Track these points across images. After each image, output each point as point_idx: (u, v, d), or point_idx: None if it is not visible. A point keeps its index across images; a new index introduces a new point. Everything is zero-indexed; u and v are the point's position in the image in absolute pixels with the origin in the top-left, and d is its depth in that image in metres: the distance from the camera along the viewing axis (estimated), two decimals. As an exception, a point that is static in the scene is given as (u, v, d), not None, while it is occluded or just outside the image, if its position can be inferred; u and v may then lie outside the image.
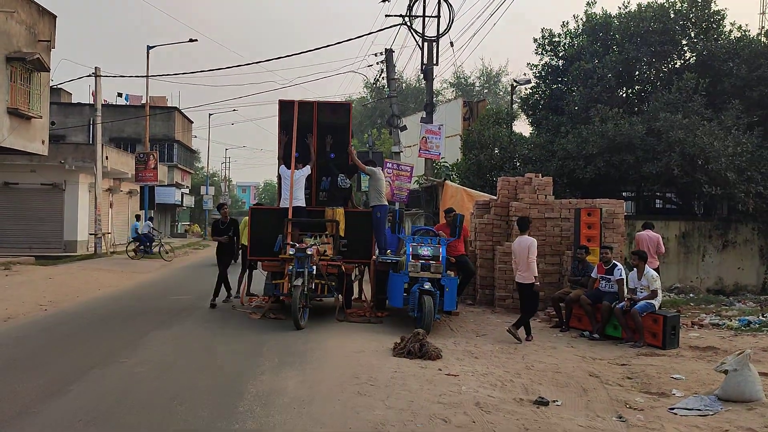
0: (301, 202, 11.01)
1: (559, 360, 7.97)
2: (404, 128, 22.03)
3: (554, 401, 6.05)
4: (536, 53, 22.56)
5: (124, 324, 9.96)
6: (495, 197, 13.58)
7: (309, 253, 9.71)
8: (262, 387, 6.25)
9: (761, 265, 18.25)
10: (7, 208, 24.36)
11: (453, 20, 20.02)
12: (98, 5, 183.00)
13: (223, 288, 12.22)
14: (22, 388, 6.16)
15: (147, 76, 28.32)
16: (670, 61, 20.83)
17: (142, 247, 23.66)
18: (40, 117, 20.30)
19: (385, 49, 22.67)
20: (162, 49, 57.23)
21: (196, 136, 52.35)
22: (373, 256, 11.26)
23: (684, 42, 20.39)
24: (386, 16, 54.83)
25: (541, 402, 5.95)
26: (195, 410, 5.54)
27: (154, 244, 24.33)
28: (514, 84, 22.69)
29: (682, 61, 20.72)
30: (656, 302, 9.13)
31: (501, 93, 50.76)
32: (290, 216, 10.80)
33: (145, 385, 6.39)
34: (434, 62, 20.08)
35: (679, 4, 20.19)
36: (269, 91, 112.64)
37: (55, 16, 20.96)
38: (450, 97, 46.28)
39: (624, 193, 20.64)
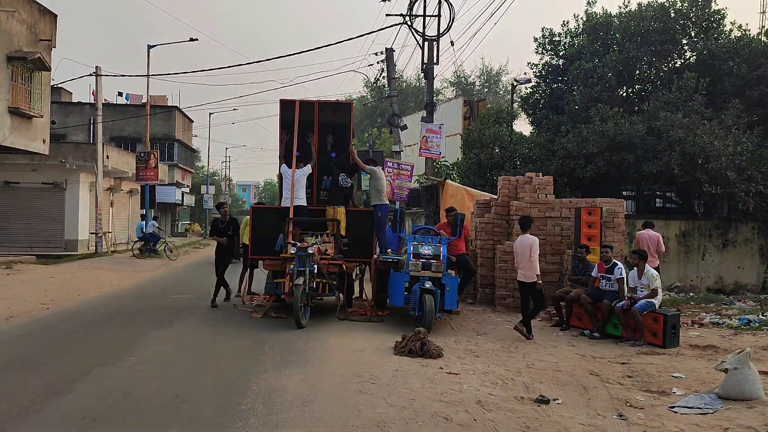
0: (302, 201, 11.04)
1: (560, 358, 7.99)
2: (405, 127, 22.05)
3: (555, 399, 6.07)
4: (536, 52, 22.60)
5: (126, 323, 9.99)
6: (495, 196, 13.60)
7: (310, 252, 9.73)
8: (264, 385, 6.28)
9: (761, 265, 18.27)
10: (8, 208, 24.38)
11: (453, 20, 20.07)
12: (99, 4, 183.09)
13: (223, 288, 12.22)
14: (26, 387, 6.18)
15: (147, 76, 28.31)
16: (670, 60, 20.84)
17: (148, 246, 23.83)
18: (41, 116, 20.33)
19: (386, 48, 22.65)
20: (162, 49, 57.21)
21: (196, 136, 52.47)
22: (374, 255, 11.29)
23: (684, 41, 20.40)
24: (387, 15, 54.69)
25: (542, 400, 5.98)
26: (198, 409, 5.57)
27: (159, 243, 24.47)
28: (515, 83, 22.71)
29: (683, 61, 20.73)
30: (656, 301, 9.16)
31: (501, 92, 50.76)
32: (291, 215, 10.83)
33: (147, 383, 6.41)
34: (435, 61, 20.10)
35: (679, 4, 20.20)
36: (269, 90, 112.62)
37: (55, 16, 20.98)
38: (450, 97, 46.25)
39: (624, 193, 20.64)
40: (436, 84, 31.52)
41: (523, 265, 9.31)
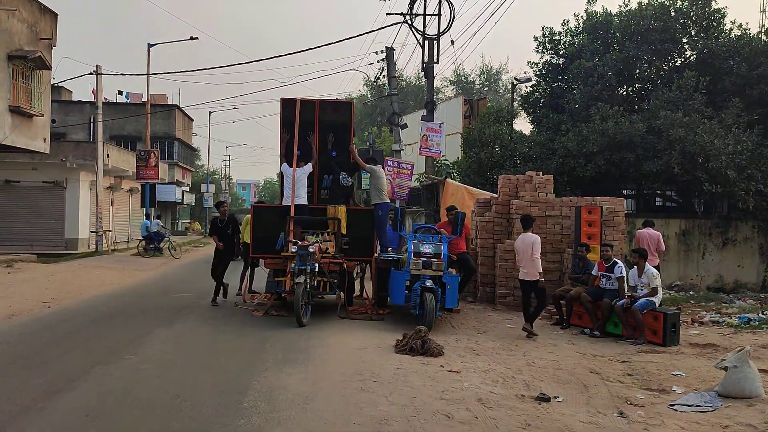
0: (303, 199, 11.05)
1: (560, 357, 8.01)
2: (405, 126, 22.06)
3: (555, 397, 6.09)
4: (537, 51, 22.63)
5: (127, 321, 10.00)
6: (496, 195, 13.61)
7: (311, 250, 9.74)
8: (265, 383, 6.29)
9: (761, 263, 18.29)
10: (8, 206, 24.40)
11: (453, 19, 20.08)
12: (99, 3, 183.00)
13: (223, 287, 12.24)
14: (27, 385, 6.19)
15: (148, 74, 28.33)
16: (670, 59, 20.85)
17: (152, 245, 23.91)
18: (42, 115, 20.35)
19: (386, 47, 22.64)
20: (163, 48, 57.22)
21: (196, 134, 52.47)
22: (375, 254, 11.31)
23: (684, 40, 20.41)
24: (387, 14, 54.82)
25: (543, 398, 5.99)
26: (199, 407, 5.58)
27: (164, 241, 24.55)
28: (515, 82, 22.73)
29: (683, 60, 20.74)
30: (656, 300, 9.18)
31: (501, 91, 50.76)
32: (292, 214, 10.84)
33: (148, 382, 6.42)
34: (435, 60, 20.10)
35: (679, 3, 20.21)
36: (269, 89, 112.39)
37: (56, 14, 20.99)
38: (450, 95, 46.27)
39: (624, 191, 20.66)
40: (437, 83, 31.56)
41: (525, 263, 9.32)
